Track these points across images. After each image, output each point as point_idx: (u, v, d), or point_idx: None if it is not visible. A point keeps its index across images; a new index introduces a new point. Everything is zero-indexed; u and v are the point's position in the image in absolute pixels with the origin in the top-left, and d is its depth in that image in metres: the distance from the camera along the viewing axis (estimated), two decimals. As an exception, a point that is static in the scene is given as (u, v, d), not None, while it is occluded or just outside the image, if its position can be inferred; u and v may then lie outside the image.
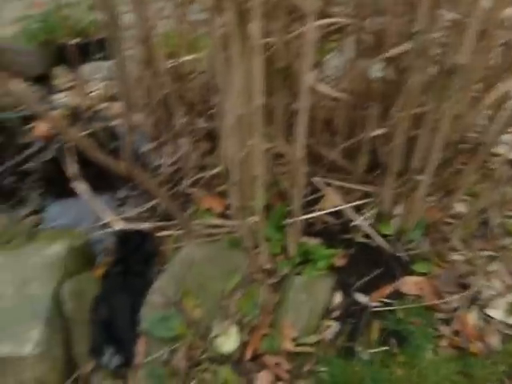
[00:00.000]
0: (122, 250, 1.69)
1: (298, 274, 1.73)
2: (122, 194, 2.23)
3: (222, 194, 2.07)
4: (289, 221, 1.78)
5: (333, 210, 1.87)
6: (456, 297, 1.71)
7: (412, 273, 1.76)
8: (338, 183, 1.94)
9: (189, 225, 1.77)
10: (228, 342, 1.57)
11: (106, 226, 2.00)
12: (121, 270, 1.61)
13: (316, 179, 1.90)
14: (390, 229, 1.84)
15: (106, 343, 1.45)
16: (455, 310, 1.68)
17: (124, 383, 1.49)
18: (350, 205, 1.86)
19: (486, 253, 1.85)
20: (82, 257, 1.69)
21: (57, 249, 1.58)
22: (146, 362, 1.48)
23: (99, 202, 2.12)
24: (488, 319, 1.67)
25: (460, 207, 1.97)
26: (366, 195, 1.96)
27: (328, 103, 2.05)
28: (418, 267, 1.78)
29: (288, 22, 1.60)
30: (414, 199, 1.76)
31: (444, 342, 1.61)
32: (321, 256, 1.75)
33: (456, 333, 1.63)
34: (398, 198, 1.87)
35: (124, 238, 1.76)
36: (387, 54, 1.58)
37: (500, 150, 2.28)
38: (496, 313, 1.69)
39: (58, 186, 2.26)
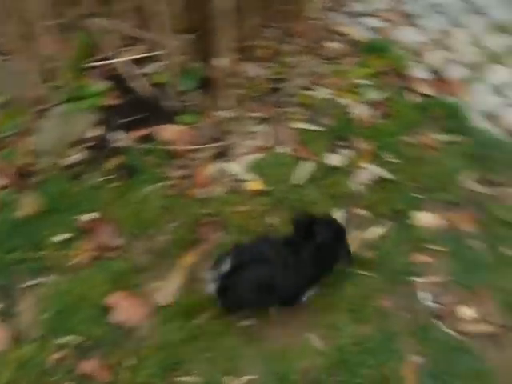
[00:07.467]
0: None
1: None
2: None
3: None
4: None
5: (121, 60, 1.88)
6: (207, 146, 1.72)
7: (175, 122, 1.78)
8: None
9: None
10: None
11: None
12: None
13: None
14: (164, 79, 1.84)
15: None
16: (198, 159, 1.70)
17: None
18: (133, 57, 1.86)
19: (259, 115, 1.81)
20: None
21: None
22: None
23: None
24: (224, 171, 1.67)
25: (255, 71, 1.91)
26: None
27: None
28: (184, 118, 1.79)
29: None
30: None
31: (169, 182, 1.65)
32: (90, 93, 1.82)
33: (184, 177, 1.66)
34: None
35: None
36: None
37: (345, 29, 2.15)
38: (235, 167, 1.68)
39: None
